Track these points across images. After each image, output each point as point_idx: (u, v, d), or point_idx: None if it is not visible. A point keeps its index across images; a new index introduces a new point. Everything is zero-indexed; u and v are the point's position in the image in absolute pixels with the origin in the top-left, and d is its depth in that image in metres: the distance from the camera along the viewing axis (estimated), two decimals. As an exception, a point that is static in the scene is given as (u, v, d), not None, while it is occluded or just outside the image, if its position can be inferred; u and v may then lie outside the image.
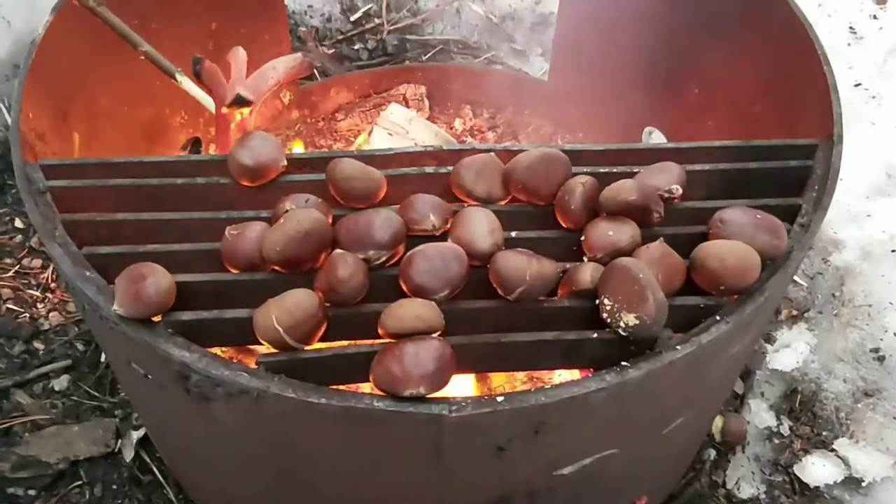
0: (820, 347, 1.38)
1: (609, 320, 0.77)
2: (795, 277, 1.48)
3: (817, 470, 1.26)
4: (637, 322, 0.74)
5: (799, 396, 1.34)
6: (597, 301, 0.79)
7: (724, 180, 0.95)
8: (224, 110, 1.04)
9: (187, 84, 1.10)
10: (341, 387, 0.74)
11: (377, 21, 1.91)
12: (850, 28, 1.87)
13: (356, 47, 1.88)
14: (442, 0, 1.91)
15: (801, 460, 1.27)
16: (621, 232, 0.83)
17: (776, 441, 1.30)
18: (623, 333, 0.76)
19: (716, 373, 0.90)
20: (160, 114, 1.35)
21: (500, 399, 0.72)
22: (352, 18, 1.90)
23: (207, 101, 1.10)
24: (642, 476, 1.05)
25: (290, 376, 0.73)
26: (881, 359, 1.34)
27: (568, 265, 0.84)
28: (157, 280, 0.76)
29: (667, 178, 0.89)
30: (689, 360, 0.77)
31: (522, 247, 0.83)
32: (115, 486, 1.21)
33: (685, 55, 1.36)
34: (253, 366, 0.75)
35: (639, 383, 0.75)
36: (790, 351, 1.39)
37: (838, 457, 1.26)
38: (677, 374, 0.79)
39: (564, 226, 0.88)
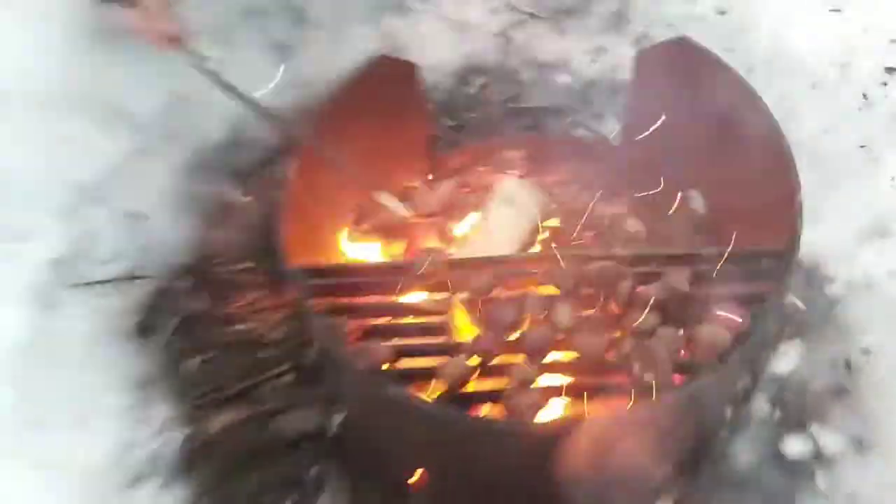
0: (808, 357, 1.91)
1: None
2: (797, 303, 2.01)
3: (797, 447, 1.75)
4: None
5: (789, 392, 1.86)
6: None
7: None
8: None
9: (385, 199, 1.82)
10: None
11: (487, 92, 2.47)
12: (864, 95, 2.30)
13: (469, 115, 2.45)
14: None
15: (784, 439, 1.80)
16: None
17: (769, 424, 1.83)
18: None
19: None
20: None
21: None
22: (468, 91, 2.48)
23: (400, 211, 1.82)
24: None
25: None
26: (849, 367, 1.89)
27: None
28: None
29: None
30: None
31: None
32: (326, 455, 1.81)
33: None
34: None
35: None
36: (787, 358, 1.93)
37: (812, 437, 1.77)
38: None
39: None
